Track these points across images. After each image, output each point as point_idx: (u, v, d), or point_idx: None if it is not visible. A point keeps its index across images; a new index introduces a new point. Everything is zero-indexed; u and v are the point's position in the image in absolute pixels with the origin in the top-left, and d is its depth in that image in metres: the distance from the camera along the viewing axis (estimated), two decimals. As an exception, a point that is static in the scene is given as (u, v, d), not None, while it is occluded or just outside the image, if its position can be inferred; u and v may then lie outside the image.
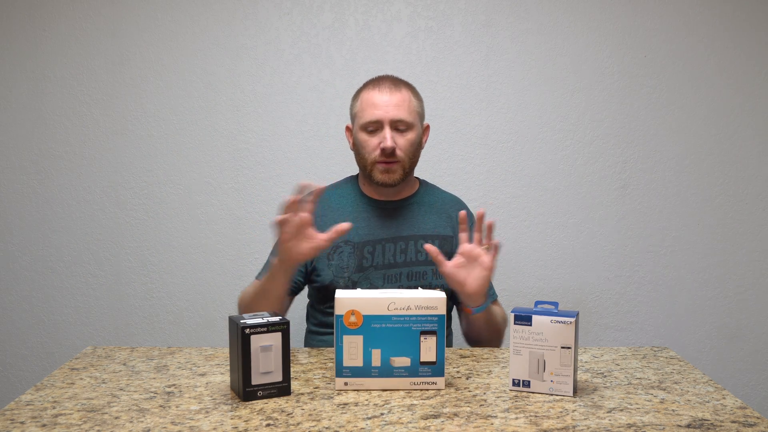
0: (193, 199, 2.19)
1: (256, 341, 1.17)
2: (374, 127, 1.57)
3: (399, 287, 1.59)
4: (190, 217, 2.20)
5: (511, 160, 2.20)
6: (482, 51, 2.17)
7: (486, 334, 1.57)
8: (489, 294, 1.63)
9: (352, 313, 1.21)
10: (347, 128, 1.70)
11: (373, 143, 1.57)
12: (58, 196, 2.19)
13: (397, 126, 1.57)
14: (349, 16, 2.16)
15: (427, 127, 1.70)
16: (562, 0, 2.16)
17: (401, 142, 1.57)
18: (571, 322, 1.19)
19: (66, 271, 2.21)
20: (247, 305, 1.55)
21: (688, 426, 1.08)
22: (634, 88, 2.19)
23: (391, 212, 1.64)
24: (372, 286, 1.59)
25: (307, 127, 2.18)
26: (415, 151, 1.61)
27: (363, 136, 1.58)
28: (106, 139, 2.18)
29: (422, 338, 1.22)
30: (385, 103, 1.56)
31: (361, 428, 1.06)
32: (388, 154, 1.55)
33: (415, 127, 1.60)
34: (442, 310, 1.22)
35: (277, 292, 1.49)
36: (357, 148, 1.62)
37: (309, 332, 1.72)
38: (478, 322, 1.54)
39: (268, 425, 1.08)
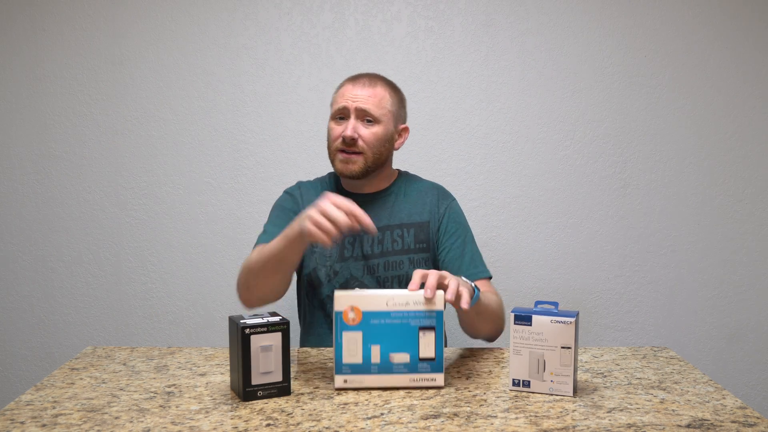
0: (193, 199, 2.19)
1: (256, 341, 1.17)
2: (341, 115, 1.60)
3: (377, 278, 1.61)
4: (190, 217, 2.20)
5: (511, 160, 2.20)
6: (482, 51, 2.17)
7: (482, 324, 1.53)
8: (480, 271, 1.61)
9: (352, 309, 1.22)
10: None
11: (337, 131, 1.60)
12: (58, 196, 2.19)
13: (364, 117, 1.58)
14: (349, 16, 2.16)
15: (405, 129, 1.68)
16: (562, 0, 2.16)
17: (365, 133, 1.58)
18: (571, 322, 1.19)
19: (66, 271, 2.21)
20: (258, 270, 1.47)
21: (688, 426, 1.08)
22: (634, 88, 2.19)
23: (368, 204, 1.63)
24: (352, 276, 1.62)
25: (307, 127, 2.18)
26: (381, 146, 1.61)
27: (331, 125, 1.63)
28: (106, 139, 2.18)
29: (421, 334, 1.22)
30: (355, 95, 1.59)
31: (361, 428, 1.06)
32: (348, 142, 1.57)
33: (383, 123, 1.60)
34: (441, 306, 1.22)
35: (291, 260, 1.44)
36: (327, 139, 1.65)
37: (303, 333, 1.73)
38: (469, 314, 1.50)
39: (268, 425, 1.07)
